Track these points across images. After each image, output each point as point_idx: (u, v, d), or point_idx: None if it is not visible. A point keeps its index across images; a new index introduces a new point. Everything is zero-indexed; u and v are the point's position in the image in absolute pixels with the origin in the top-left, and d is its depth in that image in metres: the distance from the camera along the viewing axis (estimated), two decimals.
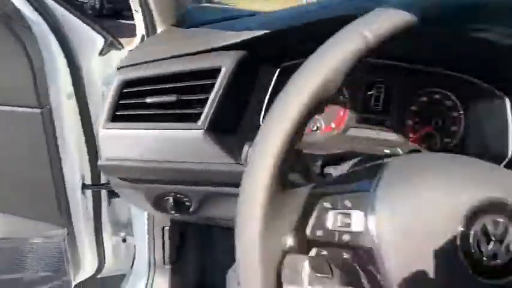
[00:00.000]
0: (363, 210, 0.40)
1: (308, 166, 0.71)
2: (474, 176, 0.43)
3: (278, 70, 0.76)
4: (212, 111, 0.62)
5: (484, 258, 0.38)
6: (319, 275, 0.39)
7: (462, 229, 0.38)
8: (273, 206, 0.38)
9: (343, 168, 0.71)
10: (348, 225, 0.40)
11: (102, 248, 1.23)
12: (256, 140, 0.40)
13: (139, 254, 1.20)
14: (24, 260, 1.03)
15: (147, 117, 0.64)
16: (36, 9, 0.88)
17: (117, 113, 0.64)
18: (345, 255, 0.40)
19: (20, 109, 0.91)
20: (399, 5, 0.40)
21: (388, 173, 0.43)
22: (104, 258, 1.25)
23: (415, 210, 0.40)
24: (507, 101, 0.73)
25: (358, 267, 0.40)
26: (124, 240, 1.28)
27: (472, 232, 0.38)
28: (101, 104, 0.70)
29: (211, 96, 0.62)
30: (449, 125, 0.81)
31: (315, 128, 0.79)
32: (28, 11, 0.88)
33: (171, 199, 0.73)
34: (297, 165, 0.61)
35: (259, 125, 0.42)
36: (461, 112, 0.81)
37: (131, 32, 0.86)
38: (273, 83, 0.76)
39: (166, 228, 1.09)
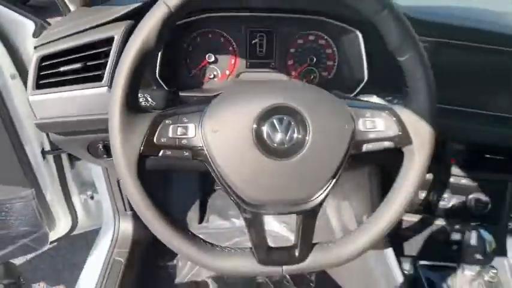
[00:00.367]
0: (195, 123, 0.59)
1: None
2: (264, 90, 0.61)
3: None
4: (111, 71, 0.78)
5: (275, 145, 0.57)
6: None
7: (255, 126, 0.57)
8: (127, 125, 0.56)
9: None
10: (185, 134, 0.59)
11: (72, 206, 1.38)
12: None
13: (105, 206, 1.37)
14: (4, 219, 1.21)
15: (64, 83, 0.80)
16: None
17: (40, 82, 0.80)
18: (185, 154, 0.59)
19: None
20: None
21: (218, 98, 0.62)
22: (76, 215, 1.41)
23: (225, 118, 0.58)
24: (359, 35, 0.90)
25: (197, 160, 0.59)
26: (92, 198, 1.44)
27: (264, 128, 0.57)
28: None
29: (109, 59, 0.78)
30: (325, 61, 0.98)
31: (212, 76, 0.96)
32: None
33: (101, 145, 0.89)
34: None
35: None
36: (335, 49, 0.98)
37: None
38: None
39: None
